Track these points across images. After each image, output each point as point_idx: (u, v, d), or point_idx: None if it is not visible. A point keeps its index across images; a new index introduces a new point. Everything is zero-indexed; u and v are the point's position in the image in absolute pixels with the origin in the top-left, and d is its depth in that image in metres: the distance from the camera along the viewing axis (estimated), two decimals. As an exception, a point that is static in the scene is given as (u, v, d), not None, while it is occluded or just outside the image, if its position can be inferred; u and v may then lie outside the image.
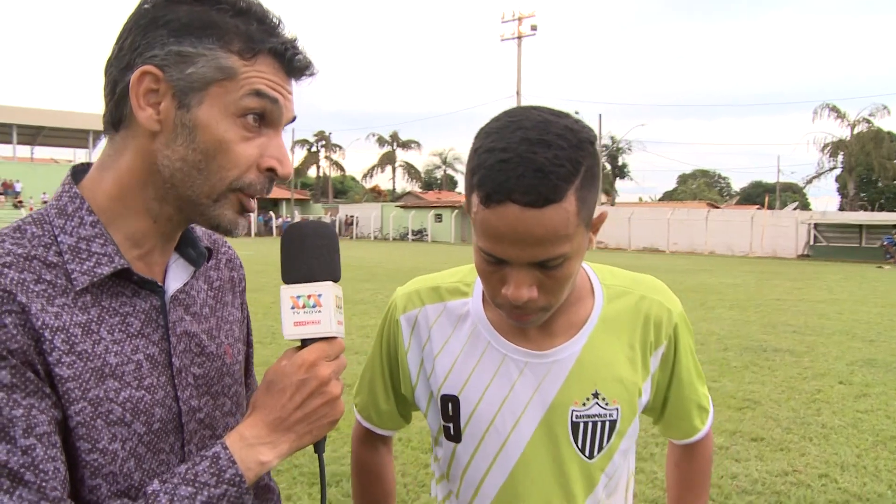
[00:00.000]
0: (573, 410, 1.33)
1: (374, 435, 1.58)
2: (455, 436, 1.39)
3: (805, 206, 60.76)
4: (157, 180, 1.07)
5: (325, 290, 1.09)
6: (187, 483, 1.00)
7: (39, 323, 0.98)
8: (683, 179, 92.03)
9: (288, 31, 1.10)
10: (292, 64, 1.09)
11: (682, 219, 41.48)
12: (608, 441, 1.35)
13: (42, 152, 69.26)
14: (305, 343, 1.09)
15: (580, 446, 1.34)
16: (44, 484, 0.94)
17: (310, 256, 1.11)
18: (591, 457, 1.34)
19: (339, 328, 1.11)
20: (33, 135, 62.44)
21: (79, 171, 1.14)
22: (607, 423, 1.34)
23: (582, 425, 1.33)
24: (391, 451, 1.66)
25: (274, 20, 1.08)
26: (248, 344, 1.38)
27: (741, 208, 54.43)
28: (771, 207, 49.37)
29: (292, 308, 1.09)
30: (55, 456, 0.96)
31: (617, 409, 1.34)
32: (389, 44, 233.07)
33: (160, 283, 1.13)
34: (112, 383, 1.03)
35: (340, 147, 79.27)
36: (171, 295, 1.14)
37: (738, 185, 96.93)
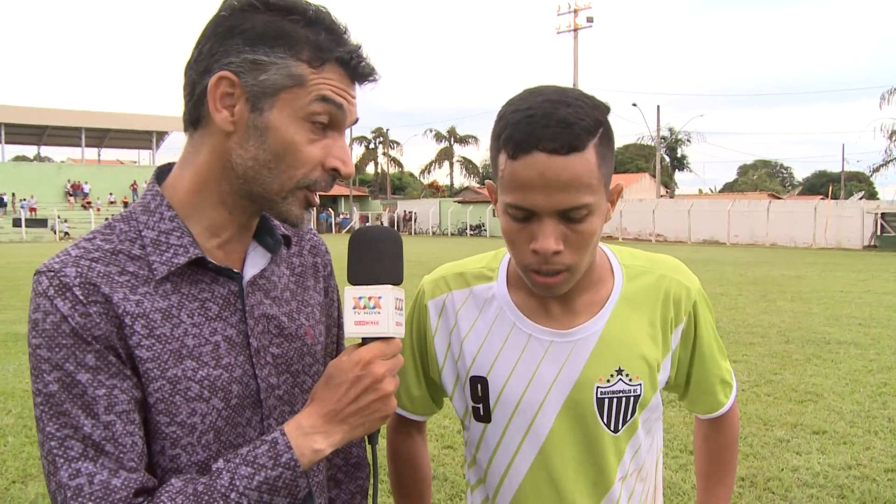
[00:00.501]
0: (598, 387, 1.38)
1: (408, 421, 1.62)
2: (485, 416, 1.44)
3: (872, 195, 58.97)
4: (231, 176, 1.16)
5: (385, 293, 1.16)
6: (247, 464, 1.09)
7: (121, 310, 1.09)
8: (744, 170, 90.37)
9: (354, 37, 1.17)
10: (357, 71, 1.17)
11: (742, 210, 40.51)
12: (632, 415, 1.40)
13: (108, 154, 71.39)
14: (366, 341, 1.16)
15: (605, 421, 1.39)
16: (122, 455, 1.07)
17: (373, 260, 1.18)
18: (616, 431, 1.40)
19: (398, 329, 1.17)
20: (100, 137, 64.36)
21: (164, 172, 1.25)
22: (631, 399, 1.39)
23: (607, 401, 1.38)
24: (425, 437, 1.71)
25: (341, 28, 1.16)
26: (339, 326, 1.46)
27: (804, 199, 53.05)
28: (835, 197, 47.91)
29: (354, 308, 1.16)
30: (133, 431, 1.08)
31: (640, 385, 1.39)
32: (446, 39, 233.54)
33: (237, 270, 1.22)
34: (190, 363, 1.13)
35: (398, 143, 79.84)
36: (248, 280, 1.23)
37: (801, 174, 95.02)
